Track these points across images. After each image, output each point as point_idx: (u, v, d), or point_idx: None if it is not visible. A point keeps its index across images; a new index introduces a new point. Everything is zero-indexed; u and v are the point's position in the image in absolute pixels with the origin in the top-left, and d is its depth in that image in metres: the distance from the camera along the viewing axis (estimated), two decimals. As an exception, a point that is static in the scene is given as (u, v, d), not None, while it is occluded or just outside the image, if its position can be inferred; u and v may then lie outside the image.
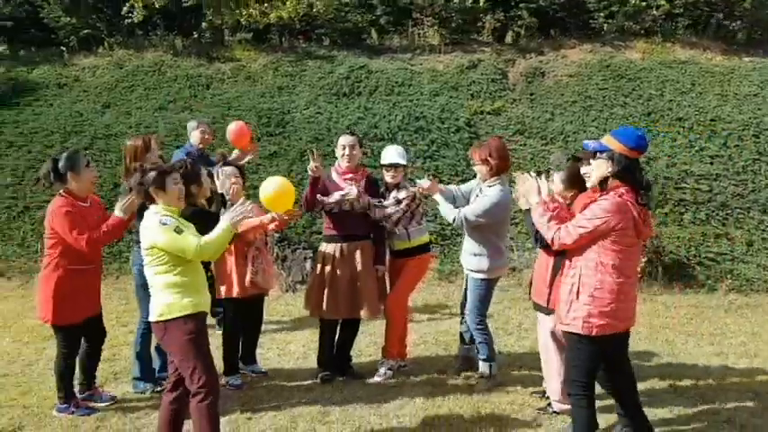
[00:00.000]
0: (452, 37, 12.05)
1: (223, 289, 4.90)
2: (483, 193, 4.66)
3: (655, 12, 11.85)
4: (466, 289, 5.03)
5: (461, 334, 5.21)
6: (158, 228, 3.46)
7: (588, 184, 3.83)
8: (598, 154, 3.52)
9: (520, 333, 6.26)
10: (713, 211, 8.70)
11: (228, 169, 4.88)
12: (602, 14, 12.03)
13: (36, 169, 9.38)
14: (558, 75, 11.02)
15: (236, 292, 4.85)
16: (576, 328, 3.49)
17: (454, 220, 4.66)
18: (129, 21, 11.86)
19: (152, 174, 3.62)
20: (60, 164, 4.27)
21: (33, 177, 9.13)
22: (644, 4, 11.83)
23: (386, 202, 4.98)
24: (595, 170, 3.54)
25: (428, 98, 10.45)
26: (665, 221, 8.57)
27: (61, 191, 4.31)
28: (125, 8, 11.84)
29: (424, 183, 4.91)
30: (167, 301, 3.50)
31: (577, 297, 3.48)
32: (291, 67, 11.25)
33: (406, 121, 9.92)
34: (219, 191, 4.74)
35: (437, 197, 4.83)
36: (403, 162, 5.06)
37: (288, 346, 5.89)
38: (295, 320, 6.61)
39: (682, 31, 11.91)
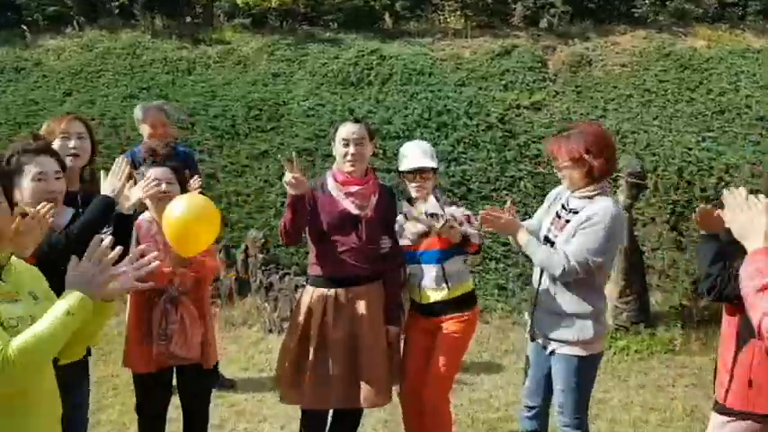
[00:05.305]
0: (479, 19, 10.36)
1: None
2: (587, 218, 2.89)
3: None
4: (528, 368, 3.29)
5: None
6: None
7: None
8: None
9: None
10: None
11: (158, 171, 3.12)
12: (646, 1, 10.28)
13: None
14: (608, 64, 9.20)
15: (138, 366, 3.16)
16: None
17: (563, 270, 2.88)
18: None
19: None
20: None
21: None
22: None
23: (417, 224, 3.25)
24: None
25: (452, 89, 8.66)
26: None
27: None
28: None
29: (497, 213, 3.07)
30: None
31: None
32: (290, 50, 9.50)
33: (426, 116, 8.14)
34: (142, 198, 3.06)
35: (522, 237, 3.04)
36: (432, 164, 3.33)
37: (260, 425, 4.14)
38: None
39: (753, 16, 10.07)
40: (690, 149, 7.56)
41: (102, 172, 2.82)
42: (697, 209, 2.79)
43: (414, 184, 3.31)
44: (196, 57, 9.47)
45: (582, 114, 8.26)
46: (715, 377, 2.88)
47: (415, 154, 3.37)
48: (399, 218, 3.41)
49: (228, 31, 10.14)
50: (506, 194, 7.28)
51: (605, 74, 9.00)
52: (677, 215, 7.03)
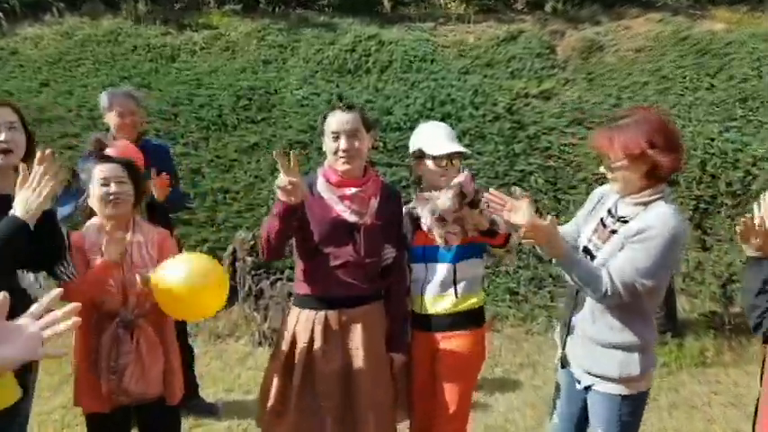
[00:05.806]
0: (482, 3, 9.82)
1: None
2: (640, 229, 2.30)
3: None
4: (557, 399, 2.75)
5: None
6: None
7: None
8: None
9: None
10: None
11: (106, 168, 2.57)
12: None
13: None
14: (620, 49, 8.62)
15: (87, 404, 2.63)
16: None
17: (604, 294, 2.31)
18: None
19: None
20: None
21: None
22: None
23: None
24: None
25: (456, 77, 8.10)
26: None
27: None
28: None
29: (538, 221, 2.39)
30: None
31: None
32: (282, 35, 8.90)
33: (428, 106, 7.58)
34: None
35: (558, 247, 2.47)
36: (462, 149, 2.83)
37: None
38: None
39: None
40: (712, 140, 7.00)
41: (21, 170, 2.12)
42: (741, 220, 2.23)
43: (438, 171, 2.78)
44: (181, 43, 8.87)
45: (594, 103, 7.69)
46: (756, 412, 2.35)
47: (444, 136, 2.84)
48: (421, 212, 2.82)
49: (216, 15, 9.55)
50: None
51: (618, 60, 8.42)
52: (701, 212, 6.50)
